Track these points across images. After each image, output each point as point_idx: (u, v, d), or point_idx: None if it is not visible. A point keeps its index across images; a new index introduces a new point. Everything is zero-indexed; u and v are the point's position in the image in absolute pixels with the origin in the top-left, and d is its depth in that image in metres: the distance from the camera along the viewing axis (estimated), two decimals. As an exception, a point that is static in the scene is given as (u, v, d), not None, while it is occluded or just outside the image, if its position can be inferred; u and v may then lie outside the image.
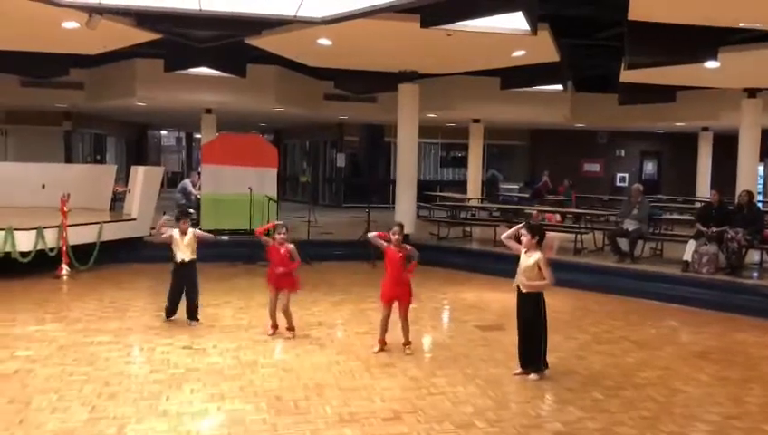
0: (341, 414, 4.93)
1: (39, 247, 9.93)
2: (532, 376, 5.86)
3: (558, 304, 9.20)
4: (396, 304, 6.50)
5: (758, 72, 12.15)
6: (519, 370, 6.00)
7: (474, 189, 20.63)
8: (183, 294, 7.47)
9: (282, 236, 6.97)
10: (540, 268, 5.79)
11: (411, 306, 6.61)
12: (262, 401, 5.17)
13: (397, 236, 6.41)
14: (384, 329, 6.54)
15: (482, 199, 19.71)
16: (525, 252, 5.90)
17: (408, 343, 6.56)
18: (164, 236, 7.48)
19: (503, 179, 23.78)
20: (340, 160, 23.33)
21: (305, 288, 9.68)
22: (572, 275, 10.64)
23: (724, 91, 15.16)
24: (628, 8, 8.40)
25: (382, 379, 5.78)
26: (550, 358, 6.52)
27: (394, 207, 14.59)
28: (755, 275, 10.18)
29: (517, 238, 5.99)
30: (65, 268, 10.22)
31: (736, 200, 10.90)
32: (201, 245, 7.57)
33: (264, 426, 4.69)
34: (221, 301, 8.72)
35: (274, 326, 7.12)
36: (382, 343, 6.57)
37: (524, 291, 5.88)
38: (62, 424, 4.64)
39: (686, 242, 10.33)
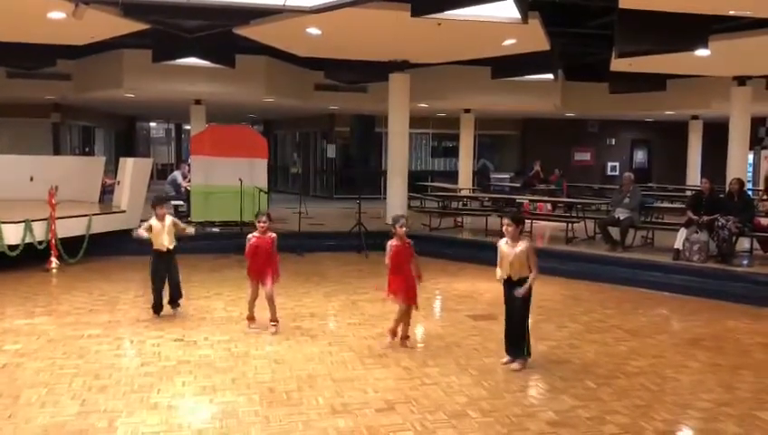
0: (334, 405, 4.91)
1: (27, 241, 9.83)
2: (515, 365, 5.82)
3: (549, 292, 9.21)
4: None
5: (748, 60, 12.17)
6: (507, 358, 5.99)
7: (465, 180, 20.62)
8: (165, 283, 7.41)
9: (263, 224, 6.78)
10: (528, 257, 5.76)
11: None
12: (254, 392, 5.15)
13: (404, 229, 6.27)
14: (397, 323, 6.42)
15: (473, 189, 19.70)
16: (507, 242, 5.85)
17: (405, 336, 6.45)
18: (141, 231, 7.36)
19: (494, 169, 23.79)
20: (331, 151, 23.25)
21: (297, 280, 9.70)
22: (564, 263, 10.69)
23: (714, 79, 15.18)
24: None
25: (375, 369, 5.76)
26: (542, 347, 6.56)
27: (385, 198, 14.56)
28: (746, 262, 10.21)
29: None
30: (54, 261, 10.14)
31: (727, 188, 10.94)
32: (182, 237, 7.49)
33: (257, 418, 4.67)
34: (212, 293, 8.67)
35: (251, 319, 6.96)
36: (393, 334, 6.44)
37: (515, 278, 5.84)
38: (51, 418, 4.59)
39: (677, 230, 10.36)
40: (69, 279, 9.55)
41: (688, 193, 15.35)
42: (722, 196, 10.91)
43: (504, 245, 5.88)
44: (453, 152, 23.56)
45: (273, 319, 6.90)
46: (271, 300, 6.85)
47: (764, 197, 12.07)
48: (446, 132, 24.16)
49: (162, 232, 7.28)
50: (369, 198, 16.07)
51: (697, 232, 10.00)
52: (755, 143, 20.95)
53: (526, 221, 13.23)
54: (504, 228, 5.90)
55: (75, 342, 6.41)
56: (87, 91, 16.64)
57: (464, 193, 18.11)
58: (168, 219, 7.38)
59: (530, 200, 15.12)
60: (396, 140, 13.85)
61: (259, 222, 6.82)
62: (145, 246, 7.61)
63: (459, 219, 14.48)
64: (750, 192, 14.37)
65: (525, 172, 21.42)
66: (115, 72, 15.27)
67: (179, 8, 9.39)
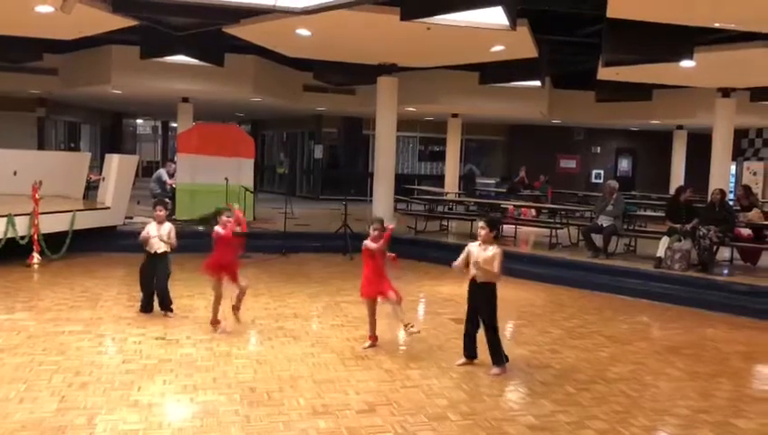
0: (315, 406, 4.92)
1: (9, 235, 9.74)
2: (494, 371, 5.84)
3: (532, 298, 9.28)
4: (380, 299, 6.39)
5: (732, 73, 12.32)
6: (463, 359, 6.03)
7: (451, 184, 20.68)
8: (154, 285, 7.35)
9: (226, 218, 6.77)
10: (492, 261, 5.81)
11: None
12: (235, 392, 5.14)
13: (376, 233, 6.27)
14: (373, 325, 6.47)
15: (459, 194, 19.77)
16: (480, 245, 5.91)
17: (407, 324, 6.26)
18: (144, 235, 7.29)
19: (480, 174, 23.88)
20: (318, 152, 23.25)
21: (281, 280, 9.69)
22: (547, 269, 10.77)
23: (700, 90, 15.35)
24: (606, 5, 8.45)
25: (357, 371, 5.78)
26: (523, 351, 6.61)
27: (371, 201, 14.58)
28: (726, 271, 10.34)
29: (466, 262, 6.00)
30: (36, 257, 10.06)
31: (709, 198, 11.07)
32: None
33: (237, 417, 4.67)
34: (195, 292, 8.62)
35: (216, 322, 6.84)
36: (373, 338, 6.49)
37: (479, 282, 5.88)
38: (30, 414, 4.56)
39: (659, 239, 10.46)
40: (51, 275, 9.48)
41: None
42: (698, 205, 11.04)
43: (474, 247, 5.93)
44: (440, 156, 23.63)
45: (236, 306, 6.96)
46: (244, 293, 6.97)
47: (737, 206, 12.23)
48: (433, 136, 24.25)
49: (155, 235, 7.23)
50: (355, 200, 16.07)
51: (681, 240, 10.11)
52: (738, 154, 21.21)
53: (511, 227, 13.47)
54: (478, 230, 5.96)
55: (56, 338, 6.37)
56: (74, 86, 16.53)
57: (450, 197, 18.16)
58: (167, 227, 7.28)
59: (514, 206, 15.20)
60: (383, 143, 13.86)
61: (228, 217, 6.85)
62: (131, 243, 7.56)
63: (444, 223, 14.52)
64: (731, 202, 14.54)
65: (511, 178, 21.53)
66: (103, 68, 15.17)
67: (169, 5, 9.35)
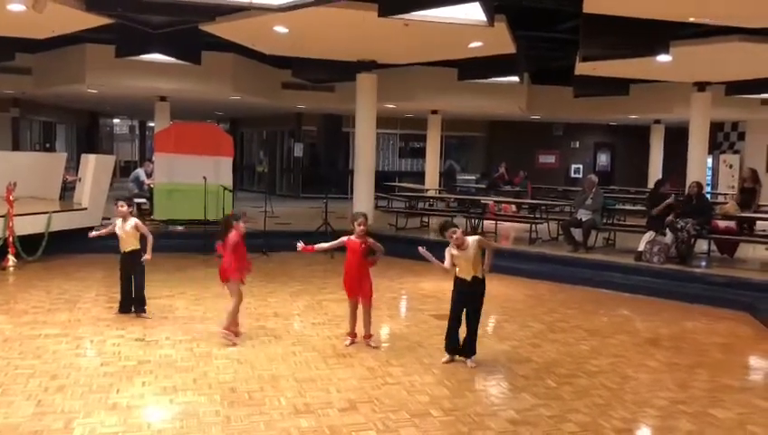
0: (296, 405, 4.89)
1: (-16, 238, 9.60)
2: (472, 363, 5.89)
3: (512, 292, 9.31)
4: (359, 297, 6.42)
5: (707, 67, 12.45)
6: (447, 357, 6.04)
7: (431, 180, 20.71)
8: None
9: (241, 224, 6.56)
10: (481, 247, 5.88)
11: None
12: (215, 392, 5.10)
13: (362, 227, 6.26)
14: (353, 322, 6.49)
15: (439, 190, 19.80)
16: (459, 247, 5.91)
17: (369, 335, 6.49)
18: (108, 229, 7.30)
19: (460, 170, 23.95)
20: (298, 150, 23.17)
21: (262, 280, 9.63)
22: (527, 264, 10.81)
23: (676, 84, 15.50)
24: (583, 0, 8.49)
25: (338, 369, 5.75)
26: (505, 346, 6.66)
27: (352, 198, 14.55)
28: (704, 264, 10.45)
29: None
30: (12, 259, 9.90)
31: (686, 191, 11.18)
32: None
33: (218, 418, 4.62)
34: (175, 292, 8.56)
35: (235, 328, 6.66)
36: (353, 335, 6.50)
37: (477, 277, 5.90)
38: (5, 419, 4.49)
39: (638, 232, 10.54)
40: (27, 277, 9.34)
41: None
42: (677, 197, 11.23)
43: (454, 250, 5.93)
44: (420, 153, 23.67)
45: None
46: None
47: (732, 199, 12.28)
48: (413, 133, 24.27)
49: (122, 233, 7.16)
50: (336, 198, 16.03)
51: (665, 234, 10.20)
52: (714, 147, 21.45)
53: (492, 222, 13.50)
54: (453, 239, 5.91)
55: (32, 341, 6.27)
56: (48, 86, 16.31)
57: (430, 194, 18.18)
58: (131, 222, 7.19)
59: (495, 201, 15.25)
60: (363, 140, 13.83)
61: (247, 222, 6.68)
62: (108, 244, 7.47)
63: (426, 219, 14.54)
64: (709, 195, 14.70)
65: (491, 173, 21.62)
66: (77, 67, 14.99)
67: (144, 3, 9.25)
